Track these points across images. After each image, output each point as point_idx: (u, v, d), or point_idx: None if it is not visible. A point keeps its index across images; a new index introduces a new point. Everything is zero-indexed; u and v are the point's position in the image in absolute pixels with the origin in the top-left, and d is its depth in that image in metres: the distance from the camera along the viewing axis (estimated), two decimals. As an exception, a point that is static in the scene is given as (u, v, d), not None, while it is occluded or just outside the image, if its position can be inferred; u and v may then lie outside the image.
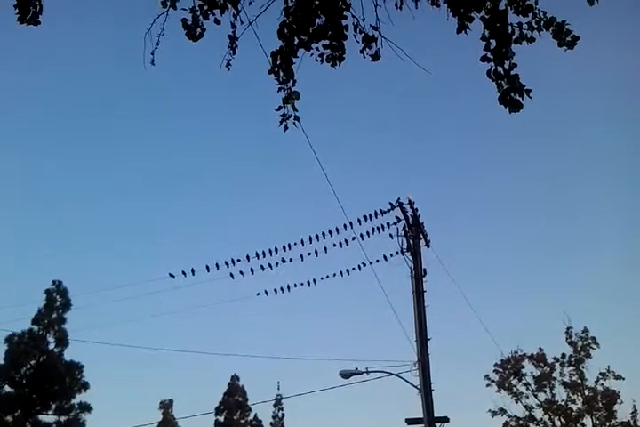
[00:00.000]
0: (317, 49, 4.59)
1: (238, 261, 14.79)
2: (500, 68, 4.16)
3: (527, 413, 28.32)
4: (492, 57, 4.17)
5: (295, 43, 4.53)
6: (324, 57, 4.64)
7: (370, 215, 14.54)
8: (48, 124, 59.35)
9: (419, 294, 14.29)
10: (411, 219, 14.79)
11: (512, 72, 4.16)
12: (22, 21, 4.36)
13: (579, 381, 28.27)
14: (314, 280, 15.06)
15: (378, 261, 14.73)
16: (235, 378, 36.21)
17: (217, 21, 4.53)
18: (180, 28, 4.52)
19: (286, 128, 4.80)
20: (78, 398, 25.15)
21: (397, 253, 14.65)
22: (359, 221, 14.46)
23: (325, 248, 14.55)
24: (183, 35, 4.54)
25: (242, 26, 4.62)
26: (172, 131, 61.39)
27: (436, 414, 13.52)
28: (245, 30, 4.63)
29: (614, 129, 53.99)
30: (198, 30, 4.54)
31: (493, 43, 4.17)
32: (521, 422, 28.24)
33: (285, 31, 4.51)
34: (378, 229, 14.58)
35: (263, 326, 53.20)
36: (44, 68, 56.81)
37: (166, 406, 36.76)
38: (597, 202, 55.57)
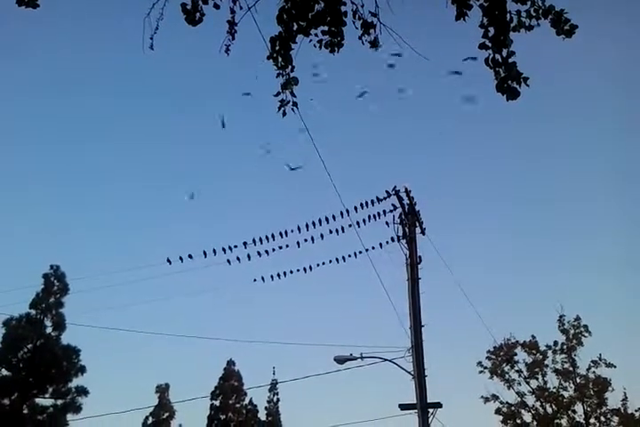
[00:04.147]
0: (316, 35, 4.60)
1: (235, 247, 14.83)
2: (497, 56, 4.18)
3: (519, 399, 28.65)
4: (490, 44, 4.18)
5: (294, 28, 4.54)
6: (323, 43, 4.65)
7: (366, 203, 14.59)
8: (52, 106, 59.03)
9: (413, 281, 14.38)
10: (407, 207, 14.84)
11: (510, 60, 4.18)
12: (21, 4, 4.36)
13: (570, 368, 28.55)
14: (310, 267, 15.14)
15: (374, 248, 14.80)
16: (230, 363, 36.47)
17: (216, 6, 4.53)
18: (179, 13, 4.53)
19: (284, 114, 4.83)
20: (75, 382, 25.37)
21: (393, 240, 14.73)
22: (355, 208, 14.51)
23: (322, 235, 14.59)
24: (182, 19, 4.55)
25: (241, 11, 4.62)
26: (167, 118, 61.13)
27: (429, 400, 13.65)
28: (244, 15, 4.64)
29: (612, 112, 54.08)
30: (197, 15, 4.54)
31: (492, 30, 4.18)
32: (513, 408, 28.56)
33: (284, 17, 4.51)
34: (374, 216, 14.64)
35: (259, 312, 53.49)
36: (39, 51, 56.31)
37: (162, 390, 37.01)
38: (595, 185, 55.68)
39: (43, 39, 55.69)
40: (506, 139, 59.97)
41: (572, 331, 28.93)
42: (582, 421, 27.75)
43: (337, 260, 15.04)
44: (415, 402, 13.59)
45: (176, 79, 59.99)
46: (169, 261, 15.09)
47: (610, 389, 27.87)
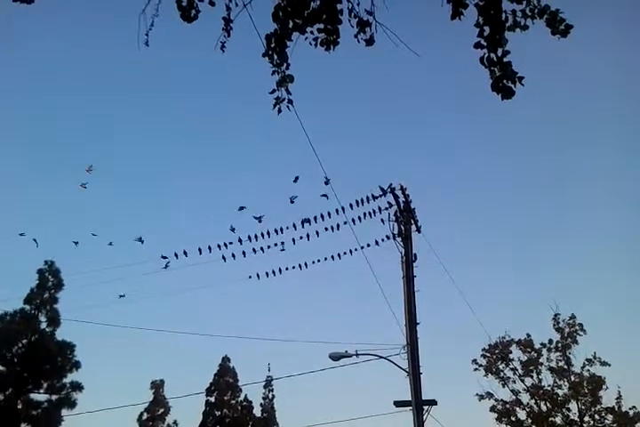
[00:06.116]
0: (312, 33, 4.59)
1: (230, 243, 14.87)
2: (492, 55, 4.18)
3: (514, 397, 28.69)
4: (485, 44, 4.18)
5: (290, 26, 4.53)
6: (319, 41, 4.64)
7: (362, 200, 14.61)
8: (51, 105, 58.85)
9: (409, 278, 14.40)
10: (402, 204, 14.86)
11: (505, 59, 4.18)
12: (15, -1, 4.35)
13: (565, 366, 28.59)
14: (305, 264, 15.19)
15: (369, 245, 14.85)
16: (226, 359, 36.48)
17: (212, 3, 4.52)
18: (174, 10, 4.51)
19: (280, 111, 4.82)
20: (70, 378, 25.32)
21: (388, 238, 14.75)
22: (351, 205, 14.54)
23: (317, 232, 14.62)
24: (178, 16, 4.53)
25: (236, 8, 4.61)
26: (166, 116, 60.98)
27: (424, 397, 13.71)
28: (240, 13, 4.63)
29: (606, 108, 54.20)
30: (193, 12, 4.53)
31: (487, 29, 4.18)
32: (507, 406, 28.62)
33: (280, 14, 4.50)
34: (369, 214, 14.66)
35: (254, 309, 53.54)
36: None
37: (157, 386, 37.02)
38: (590, 182, 55.84)
39: (35, 34, 55.48)
40: (500, 137, 60.07)
41: (566, 329, 28.97)
42: (577, 419, 27.81)
43: (332, 257, 15.09)
44: (410, 399, 13.63)
45: (170, 75, 59.85)
46: (164, 257, 15.13)
47: (604, 387, 27.91)
